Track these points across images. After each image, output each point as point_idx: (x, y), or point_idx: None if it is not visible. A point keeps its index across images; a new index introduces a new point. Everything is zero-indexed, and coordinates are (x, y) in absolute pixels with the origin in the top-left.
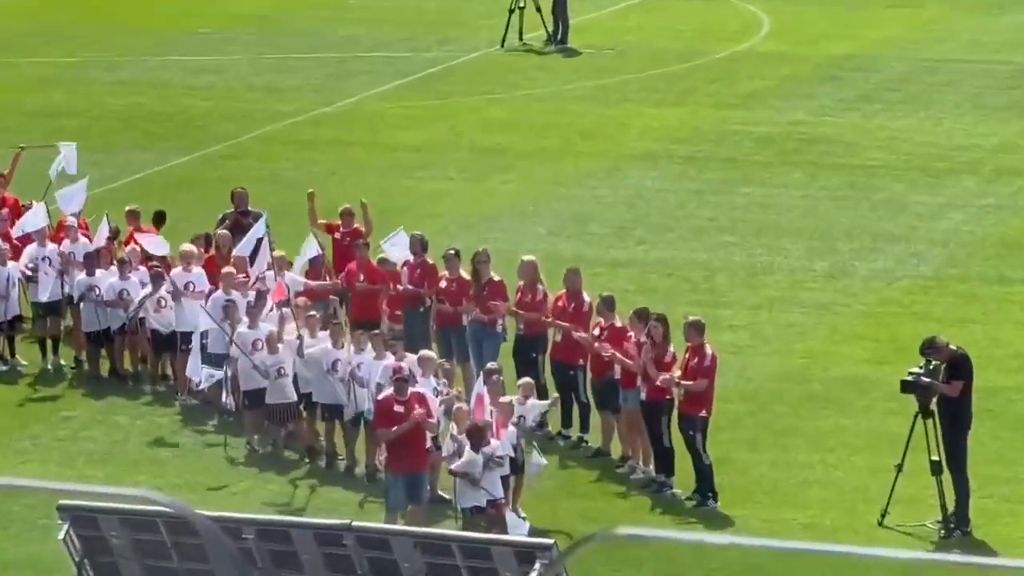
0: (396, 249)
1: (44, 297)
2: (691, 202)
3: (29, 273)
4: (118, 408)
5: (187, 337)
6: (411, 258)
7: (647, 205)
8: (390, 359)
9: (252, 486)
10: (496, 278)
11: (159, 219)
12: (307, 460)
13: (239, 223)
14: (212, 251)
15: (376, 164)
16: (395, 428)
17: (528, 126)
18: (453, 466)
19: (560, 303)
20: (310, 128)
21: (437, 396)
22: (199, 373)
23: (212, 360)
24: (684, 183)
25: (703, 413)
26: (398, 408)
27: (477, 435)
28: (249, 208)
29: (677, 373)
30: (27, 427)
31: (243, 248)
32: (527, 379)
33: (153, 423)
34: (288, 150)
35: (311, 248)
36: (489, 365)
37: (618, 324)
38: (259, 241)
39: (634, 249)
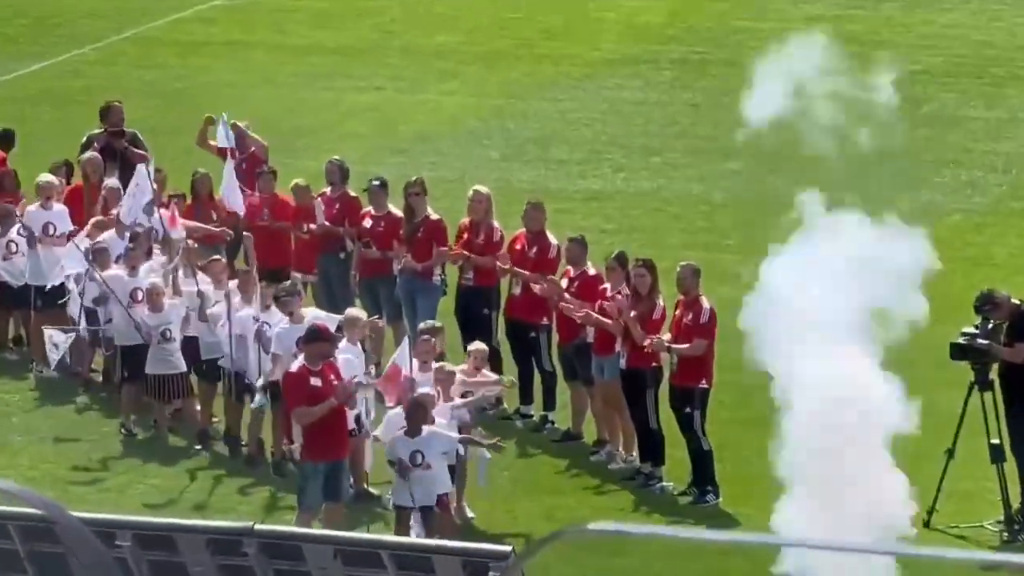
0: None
1: None
2: (684, 118)
3: None
4: None
5: (43, 292)
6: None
7: (627, 123)
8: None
9: (129, 480)
10: (434, 216)
11: (5, 141)
12: (199, 447)
13: (111, 147)
14: (76, 182)
15: (284, 72)
16: (315, 408)
17: (476, 23)
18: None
19: (518, 246)
20: (200, 26)
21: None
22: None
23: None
24: (675, 94)
25: (701, 384)
26: (314, 381)
27: (417, 413)
28: (125, 128)
29: (667, 335)
30: None
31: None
32: (479, 345)
33: (1, 400)
34: (172, 54)
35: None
36: (423, 324)
37: (591, 272)
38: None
39: (612, 178)
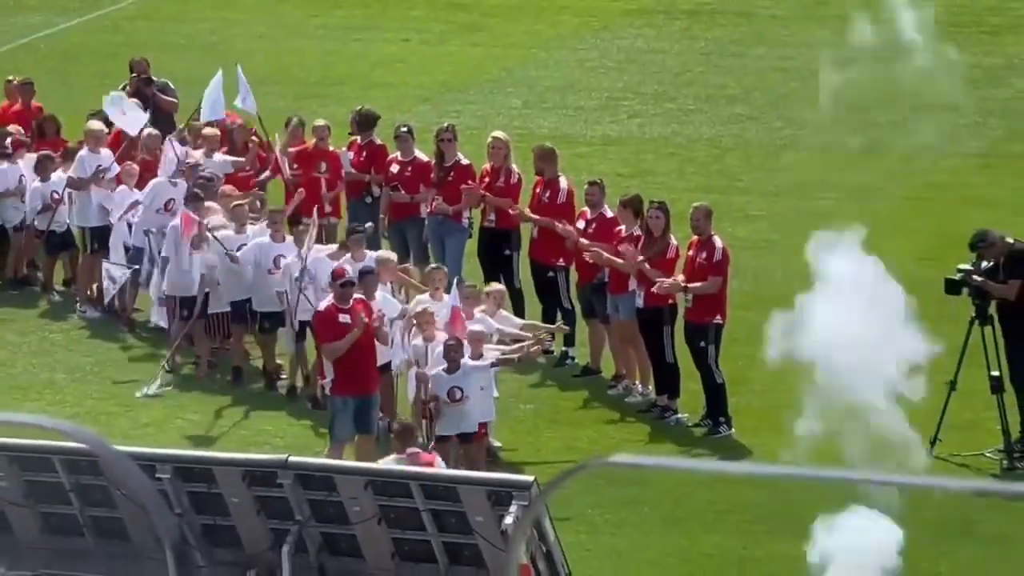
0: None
1: None
2: (696, 66)
3: None
4: (4, 323)
5: (99, 234)
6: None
7: (642, 71)
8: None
9: (167, 415)
10: (464, 161)
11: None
12: (234, 382)
13: (141, 93)
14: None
15: (314, 24)
16: (340, 342)
17: None
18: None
19: (536, 191)
20: None
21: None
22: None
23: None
24: (687, 43)
25: (716, 320)
26: (343, 318)
27: (455, 352)
28: (153, 76)
29: (680, 277)
30: None
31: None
32: (496, 285)
33: (46, 340)
34: (204, 8)
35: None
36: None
37: (608, 215)
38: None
39: (627, 124)
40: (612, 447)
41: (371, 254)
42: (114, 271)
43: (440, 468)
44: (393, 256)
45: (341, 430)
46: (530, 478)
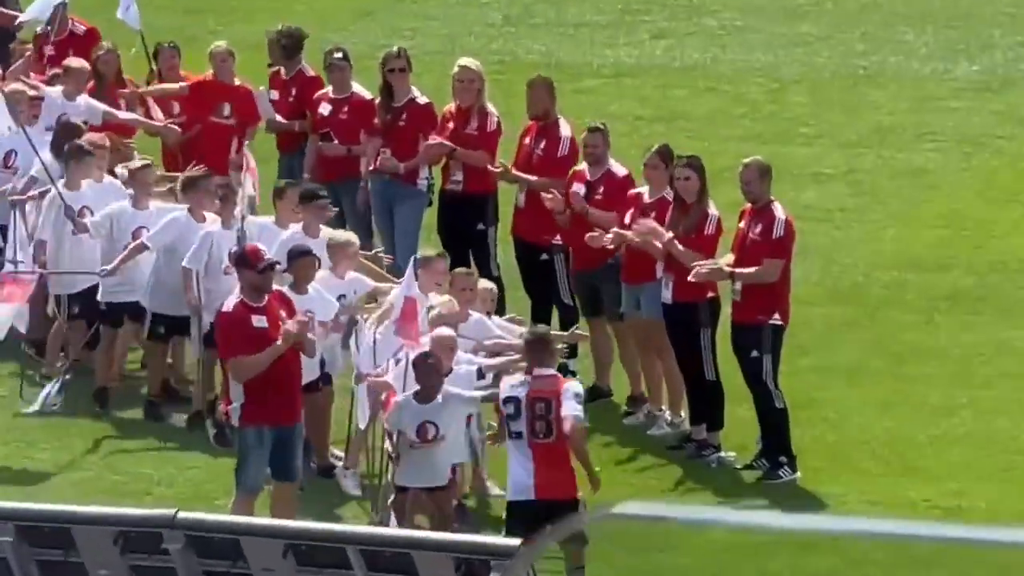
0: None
1: None
2: None
3: None
4: None
5: None
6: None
7: None
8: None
9: (9, 453)
10: (422, 99)
11: None
12: (100, 407)
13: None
14: None
15: None
16: (258, 356)
17: None
18: (388, 421)
19: (526, 141)
20: None
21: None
22: None
23: None
24: None
25: (774, 320)
26: (258, 321)
27: (427, 370)
28: None
29: (727, 259)
30: None
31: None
32: (486, 283)
33: None
34: None
35: None
36: (424, 253)
37: (618, 172)
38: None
39: (648, 47)
40: (629, 496)
41: (326, 232)
42: None
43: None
44: (355, 238)
45: (254, 474)
46: (515, 541)
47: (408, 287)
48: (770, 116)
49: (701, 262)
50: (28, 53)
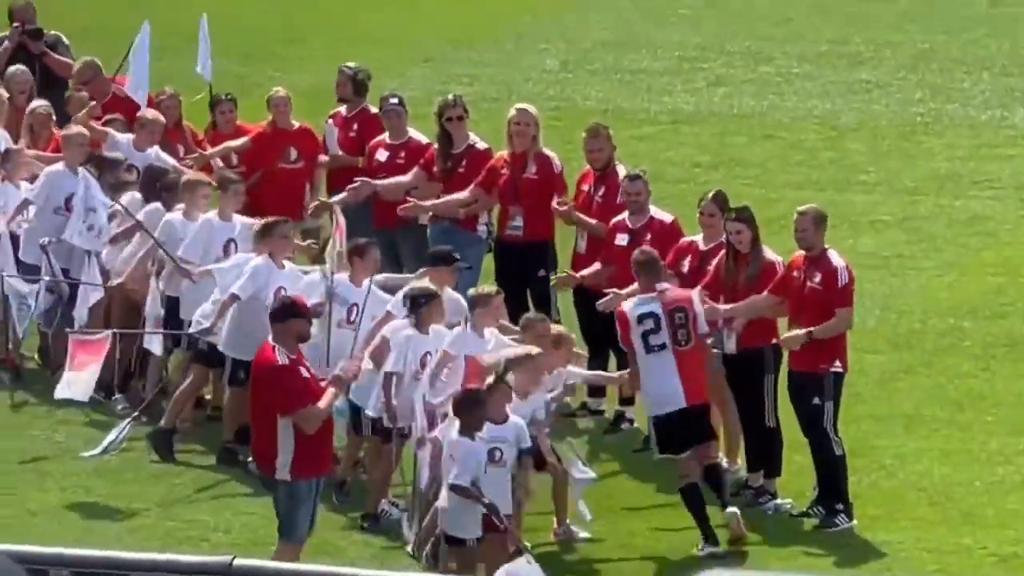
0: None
1: None
2: (801, 12)
3: None
4: None
5: None
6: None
7: (727, 20)
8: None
9: (64, 497)
10: (480, 144)
11: None
12: (166, 453)
13: (24, 49)
14: None
15: None
16: (321, 406)
17: None
18: (453, 478)
19: (584, 188)
20: None
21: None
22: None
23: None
24: None
25: (835, 367)
26: (304, 371)
27: (474, 408)
28: (42, 28)
29: (800, 333)
30: None
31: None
32: (536, 316)
33: None
34: None
35: None
36: (475, 291)
37: (664, 219)
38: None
39: (706, 94)
40: (682, 545)
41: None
42: (18, 285)
43: None
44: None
45: (303, 524)
46: None
47: (471, 346)
48: (827, 163)
49: (791, 334)
50: (93, 103)
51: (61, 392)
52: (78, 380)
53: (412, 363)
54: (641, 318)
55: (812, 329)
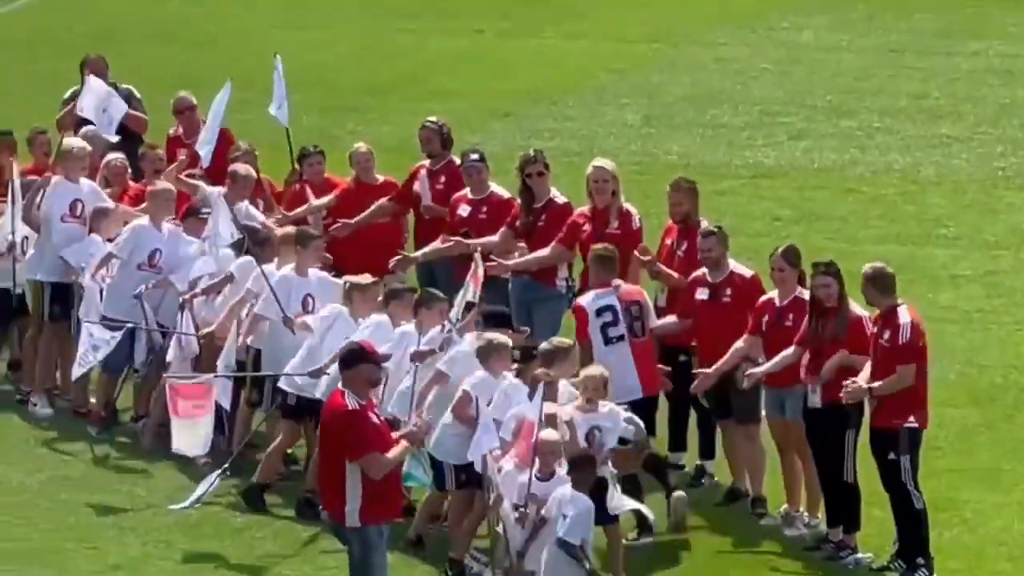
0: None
1: None
2: (882, 67)
3: None
4: None
5: (60, 294)
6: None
7: (809, 75)
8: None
9: (148, 553)
10: (560, 199)
11: None
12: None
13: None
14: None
15: (349, 7)
16: (392, 454)
17: None
18: (565, 534)
19: (667, 242)
20: None
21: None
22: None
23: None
24: (872, 37)
25: (910, 422)
26: (374, 417)
27: (589, 467)
28: (117, 83)
29: (863, 377)
30: None
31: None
32: (594, 369)
33: None
34: None
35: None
36: (555, 343)
37: (745, 274)
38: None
39: (787, 148)
40: None
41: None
42: (97, 333)
43: None
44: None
45: (381, 570)
46: None
47: (533, 408)
48: (908, 217)
49: (851, 389)
50: (182, 157)
51: (178, 447)
52: (190, 433)
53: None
54: (600, 311)
55: (872, 385)
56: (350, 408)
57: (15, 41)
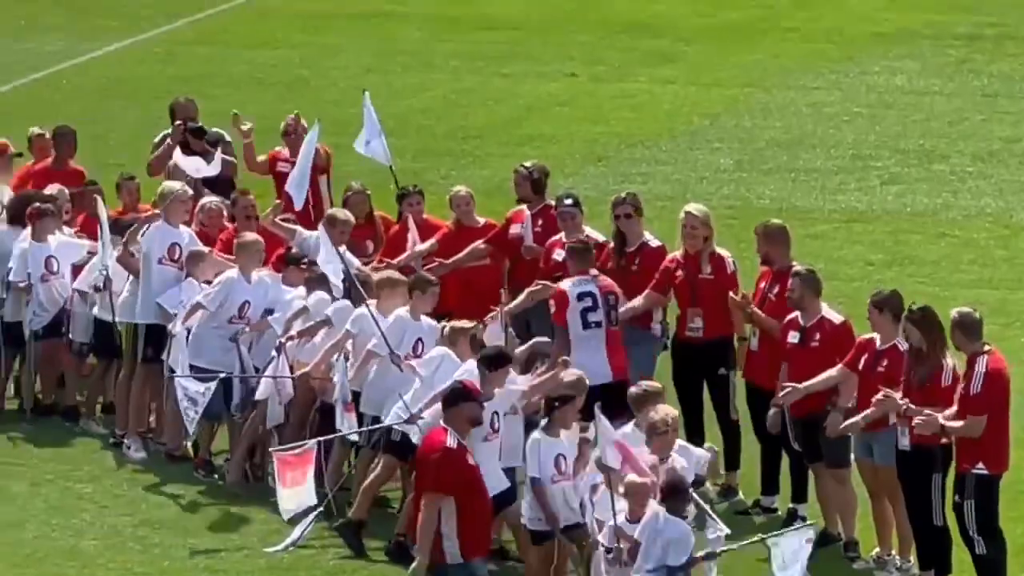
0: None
1: None
2: (976, 112)
3: None
4: (11, 469)
5: (155, 336)
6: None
7: (901, 119)
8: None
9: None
10: (654, 242)
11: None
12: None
13: (187, 147)
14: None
15: (441, 52)
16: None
17: None
18: (674, 561)
19: (761, 285)
20: None
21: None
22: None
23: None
24: (964, 80)
25: (979, 468)
26: (470, 458)
27: (682, 493)
28: (204, 126)
29: (949, 413)
30: None
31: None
32: (663, 411)
33: (70, 492)
34: (292, 30)
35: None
36: (647, 387)
37: (834, 319)
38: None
39: (879, 192)
40: None
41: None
42: (191, 387)
43: None
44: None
45: None
46: None
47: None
48: (1000, 261)
49: (923, 417)
50: (278, 202)
51: (287, 512)
52: (296, 494)
53: (547, 466)
54: (581, 296)
55: (945, 424)
56: (449, 445)
57: (109, 85)
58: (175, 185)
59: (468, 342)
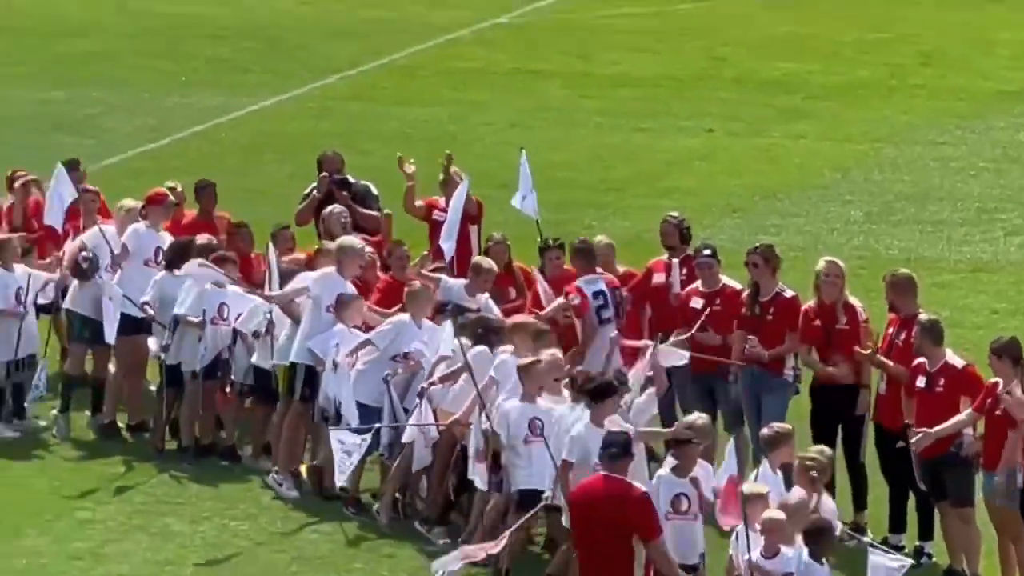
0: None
1: None
2: None
3: None
4: (170, 507)
5: (310, 377)
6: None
7: None
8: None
9: None
10: (788, 292)
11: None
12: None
13: (332, 199)
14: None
15: (585, 109)
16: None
17: (832, 46)
18: None
19: (889, 331)
20: (479, 51)
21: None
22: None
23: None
24: None
25: None
26: None
27: (826, 536)
28: (350, 178)
29: None
30: None
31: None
32: (817, 454)
33: (227, 530)
34: (441, 86)
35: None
36: (773, 428)
37: (957, 364)
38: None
39: (1005, 244)
40: None
41: None
42: (347, 439)
43: None
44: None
45: None
46: None
47: (733, 468)
48: None
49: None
50: (425, 253)
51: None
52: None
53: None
54: (595, 295)
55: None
56: (639, 491)
57: (263, 140)
58: (354, 241)
59: (528, 339)
